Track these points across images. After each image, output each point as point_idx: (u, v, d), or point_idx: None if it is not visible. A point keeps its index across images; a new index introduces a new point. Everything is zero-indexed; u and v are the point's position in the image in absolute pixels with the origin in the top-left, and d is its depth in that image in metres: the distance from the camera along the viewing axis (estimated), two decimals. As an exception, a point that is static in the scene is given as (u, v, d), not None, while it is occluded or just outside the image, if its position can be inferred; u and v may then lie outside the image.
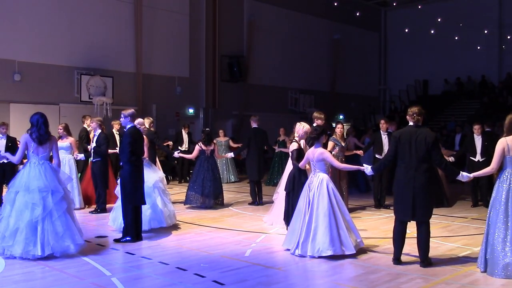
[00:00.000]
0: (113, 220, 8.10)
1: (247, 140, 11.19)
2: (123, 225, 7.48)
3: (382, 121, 10.99)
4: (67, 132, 10.20)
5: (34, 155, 6.54)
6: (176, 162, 15.55)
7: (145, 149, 8.28)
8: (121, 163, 7.49)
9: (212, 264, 6.19)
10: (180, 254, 6.72)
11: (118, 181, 7.81)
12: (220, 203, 10.70)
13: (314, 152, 6.76)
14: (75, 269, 5.94)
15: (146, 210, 7.97)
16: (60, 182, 6.59)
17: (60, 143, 9.96)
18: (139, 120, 9.00)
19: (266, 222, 8.87)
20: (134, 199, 7.36)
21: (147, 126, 10.37)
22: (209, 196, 10.41)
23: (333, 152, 9.33)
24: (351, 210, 10.10)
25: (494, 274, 5.62)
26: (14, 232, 6.26)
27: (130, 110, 7.64)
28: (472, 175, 6.16)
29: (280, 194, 8.72)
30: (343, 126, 10.37)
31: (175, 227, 8.57)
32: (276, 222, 8.59)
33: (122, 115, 7.62)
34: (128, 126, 7.52)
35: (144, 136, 8.56)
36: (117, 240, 7.33)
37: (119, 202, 7.85)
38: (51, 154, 6.80)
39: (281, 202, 8.46)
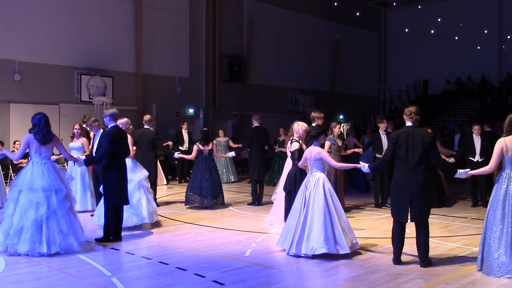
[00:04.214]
0: (98, 216, 8.25)
1: (249, 139, 11.15)
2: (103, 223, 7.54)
3: (384, 121, 11.01)
4: (81, 132, 10.16)
5: (37, 154, 6.60)
6: (176, 162, 15.56)
7: (130, 148, 8.35)
8: (103, 163, 7.47)
9: (212, 264, 6.19)
10: (180, 254, 6.72)
11: None
12: (220, 203, 10.70)
13: (311, 151, 6.77)
14: (75, 269, 5.95)
15: (130, 206, 8.10)
16: (62, 181, 6.70)
17: (72, 144, 9.98)
18: (125, 119, 8.99)
19: (266, 223, 8.88)
20: (117, 199, 7.39)
21: (148, 123, 10.44)
22: (207, 196, 10.41)
23: (331, 151, 9.34)
24: (349, 210, 10.13)
25: (489, 273, 5.64)
26: (19, 231, 6.38)
27: (112, 110, 7.67)
28: (470, 172, 6.18)
29: (279, 194, 8.72)
30: (341, 126, 10.38)
31: (175, 227, 8.59)
32: (276, 222, 8.59)
33: (104, 115, 7.66)
34: (110, 125, 7.52)
35: (129, 136, 8.61)
36: (98, 240, 7.32)
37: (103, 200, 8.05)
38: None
39: (280, 202, 8.48)
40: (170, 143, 15.47)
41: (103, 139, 7.45)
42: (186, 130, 15.49)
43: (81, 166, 8.19)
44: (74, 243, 6.58)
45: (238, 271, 5.88)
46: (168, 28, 18.67)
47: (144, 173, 8.67)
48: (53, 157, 7.32)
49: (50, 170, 6.60)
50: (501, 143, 5.76)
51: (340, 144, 9.81)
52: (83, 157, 8.15)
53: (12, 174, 13.13)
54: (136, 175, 8.46)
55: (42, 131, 6.57)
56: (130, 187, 8.24)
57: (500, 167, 5.88)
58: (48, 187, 6.48)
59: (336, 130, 9.74)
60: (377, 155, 10.57)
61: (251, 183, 11.21)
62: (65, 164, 12.24)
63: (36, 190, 6.43)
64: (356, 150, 11.01)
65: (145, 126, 10.47)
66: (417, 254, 6.19)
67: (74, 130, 10.10)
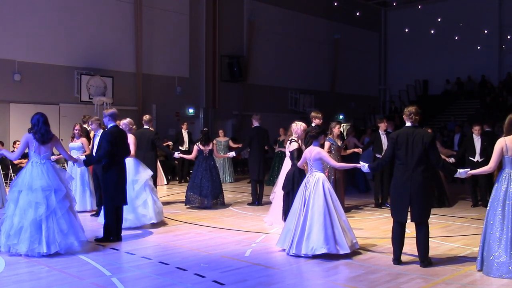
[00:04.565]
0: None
1: (249, 139, 11.16)
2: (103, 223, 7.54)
3: (384, 121, 11.01)
4: (82, 133, 10.14)
5: (36, 154, 6.60)
6: (176, 162, 15.55)
7: (132, 147, 8.35)
8: (103, 163, 7.46)
9: (212, 264, 6.19)
10: (180, 254, 6.72)
11: None
12: (220, 203, 10.70)
13: (311, 151, 6.77)
14: (75, 269, 5.95)
15: (137, 207, 8.22)
16: (62, 180, 6.72)
17: (72, 144, 9.98)
18: (128, 120, 8.97)
19: (266, 223, 8.87)
20: (115, 199, 7.38)
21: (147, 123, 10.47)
22: (207, 196, 10.42)
23: (331, 152, 9.36)
24: (349, 210, 10.13)
25: (489, 273, 5.64)
26: (19, 231, 6.39)
27: (111, 110, 7.68)
28: (470, 172, 6.19)
29: (277, 194, 8.72)
30: (341, 126, 10.39)
31: (175, 227, 8.59)
32: (275, 222, 8.59)
33: (103, 115, 7.68)
34: (110, 125, 7.51)
35: (131, 135, 8.60)
36: (98, 240, 7.33)
37: None
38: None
39: (279, 202, 8.49)
40: (170, 143, 15.47)
41: (102, 139, 7.44)
42: (186, 130, 15.49)
43: (80, 166, 8.19)
44: (75, 243, 6.60)
45: (238, 271, 5.88)
46: (168, 28, 18.67)
47: (149, 173, 8.68)
48: (53, 157, 7.33)
49: (50, 170, 6.61)
50: (501, 143, 5.77)
51: (339, 144, 9.82)
52: (83, 157, 8.14)
53: (12, 174, 13.13)
54: (141, 175, 8.48)
55: (41, 131, 6.58)
56: (136, 187, 8.29)
57: (500, 167, 5.88)
58: (47, 187, 6.48)
59: (336, 130, 9.74)
60: (377, 155, 10.58)
61: (251, 183, 11.21)
62: (65, 164, 12.24)
63: (35, 190, 6.44)
64: (356, 150, 11.03)
65: (145, 126, 10.48)
66: (417, 254, 6.19)
67: (75, 131, 10.10)
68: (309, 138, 7.16)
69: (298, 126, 7.88)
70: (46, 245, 6.34)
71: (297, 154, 7.49)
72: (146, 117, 10.67)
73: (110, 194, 7.35)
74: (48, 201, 6.44)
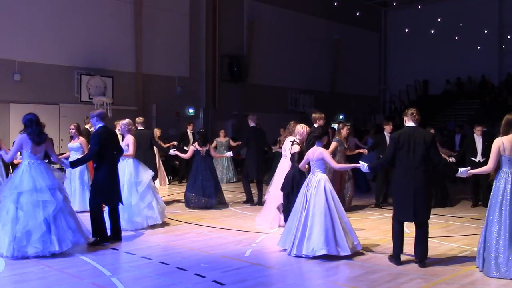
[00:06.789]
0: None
1: (246, 139, 11.19)
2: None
3: (390, 123, 10.91)
4: (79, 132, 10.08)
5: (32, 155, 6.58)
6: (176, 162, 15.54)
7: (131, 148, 8.33)
8: (94, 164, 7.42)
9: (212, 264, 6.19)
10: (180, 254, 6.72)
11: None
12: (222, 202, 10.72)
13: (314, 152, 6.77)
14: (75, 269, 5.95)
15: (142, 209, 8.25)
16: (60, 180, 6.80)
17: (71, 144, 9.98)
18: (127, 120, 8.96)
19: (257, 223, 8.78)
20: (110, 200, 7.37)
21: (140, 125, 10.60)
22: (211, 196, 10.45)
23: (336, 153, 9.37)
24: (351, 210, 10.13)
25: (489, 273, 5.64)
26: (27, 233, 6.29)
27: (98, 111, 7.67)
28: (471, 171, 6.19)
29: (271, 194, 8.67)
30: (348, 127, 10.32)
31: (175, 227, 8.59)
32: (265, 223, 8.53)
33: (90, 116, 7.66)
34: (98, 126, 7.44)
35: (131, 136, 8.57)
36: (95, 242, 7.27)
37: None
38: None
39: (271, 204, 8.47)
40: (175, 143, 15.42)
41: (91, 141, 7.41)
42: (191, 131, 15.50)
43: (67, 168, 8.09)
44: (82, 239, 6.71)
45: (238, 271, 5.88)
46: (168, 28, 18.66)
47: (150, 173, 8.67)
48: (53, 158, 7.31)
49: (48, 170, 6.65)
50: (498, 143, 5.79)
51: (346, 146, 9.81)
52: (76, 157, 8.11)
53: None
54: (144, 176, 8.46)
55: (35, 132, 6.55)
56: (140, 189, 8.32)
57: (498, 166, 5.89)
58: (52, 185, 6.52)
59: (344, 131, 9.76)
60: (381, 157, 10.52)
61: (243, 180, 11.20)
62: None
63: (41, 190, 6.42)
64: (361, 151, 10.92)
65: (139, 128, 10.59)
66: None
67: (71, 131, 10.11)
68: (312, 138, 7.15)
69: (303, 129, 7.79)
70: (57, 243, 6.33)
71: (297, 157, 7.45)
72: (140, 119, 10.84)
73: (106, 195, 7.30)
74: (56, 199, 6.48)
